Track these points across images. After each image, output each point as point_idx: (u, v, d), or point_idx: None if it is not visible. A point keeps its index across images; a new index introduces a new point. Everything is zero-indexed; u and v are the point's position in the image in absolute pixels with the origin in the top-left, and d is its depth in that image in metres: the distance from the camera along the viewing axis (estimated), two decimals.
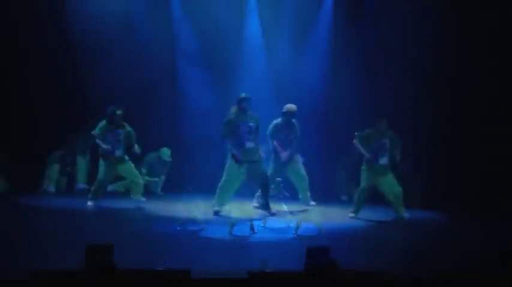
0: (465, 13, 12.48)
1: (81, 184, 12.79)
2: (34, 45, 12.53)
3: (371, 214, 10.23)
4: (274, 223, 9.14)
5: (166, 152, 12.62)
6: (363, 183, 10.20)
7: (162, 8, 13.05)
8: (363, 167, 10.21)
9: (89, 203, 10.40)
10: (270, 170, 10.46)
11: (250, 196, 10.74)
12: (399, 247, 8.26)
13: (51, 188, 12.41)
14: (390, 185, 10.15)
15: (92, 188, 10.60)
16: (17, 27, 12.60)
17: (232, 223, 8.46)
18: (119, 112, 10.53)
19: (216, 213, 9.75)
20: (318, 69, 13.13)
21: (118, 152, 10.47)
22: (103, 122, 10.50)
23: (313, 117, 12.60)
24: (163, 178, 12.77)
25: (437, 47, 12.56)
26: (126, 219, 9.59)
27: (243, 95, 9.89)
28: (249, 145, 9.72)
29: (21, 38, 12.57)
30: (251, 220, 8.74)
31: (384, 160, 10.15)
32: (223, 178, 9.89)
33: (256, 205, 10.44)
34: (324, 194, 11.86)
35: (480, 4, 12.36)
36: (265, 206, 9.94)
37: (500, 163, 12.32)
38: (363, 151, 10.13)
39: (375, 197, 10.63)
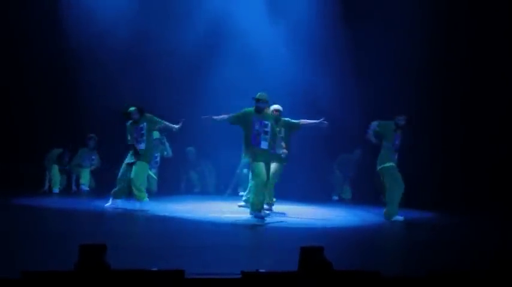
0: (460, 14, 12.56)
1: (84, 186, 12.94)
2: (34, 52, 12.72)
3: (365, 214, 10.24)
4: None
5: (155, 133, 12.81)
6: None
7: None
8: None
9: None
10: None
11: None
12: (393, 247, 8.27)
13: (56, 189, 12.50)
14: None
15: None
16: (17, 34, 12.77)
17: None
18: (131, 109, 10.47)
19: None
20: (313, 69, 13.18)
21: (140, 146, 10.43)
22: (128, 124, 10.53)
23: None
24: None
25: (434, 47, 12.65)
26: (119, 219, 9.56)
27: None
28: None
29: (21, 45, 12.78)
30: None
31: None
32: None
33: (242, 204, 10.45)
34: (317, 194, 11.88)
35: (474, 6, 12.47)
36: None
37: (494, 161, 12.39)
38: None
39: (370, 197, 10.66)
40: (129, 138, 10.49)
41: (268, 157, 9.54)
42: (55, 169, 12.58)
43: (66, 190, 12.83)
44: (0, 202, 10.49)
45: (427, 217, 10.75)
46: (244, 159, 12.99)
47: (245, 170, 13.27)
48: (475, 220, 10.56)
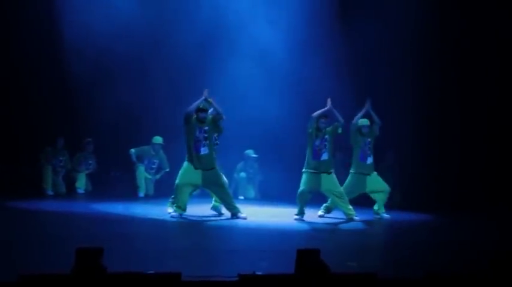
0: (458, 14, 12.62)
1: (80, 190, 12.91)
2: (33, 55, 12.79)
3: (362, 216, 10.24)
4: None
5: (158, 138, 12.74)
6: None
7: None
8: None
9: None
10: None
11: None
12: (390, 248, 8.27)
13: (49, 191, 12.44)
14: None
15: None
16: (16, 36, 12.82)
17: None
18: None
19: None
20: (310, 67, 13.20)
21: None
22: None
23: (303, 116, 12.69)
24: (158, 176, 12.97)
25: (433, 49, 12.70)
26: (116, 222, 9.55)
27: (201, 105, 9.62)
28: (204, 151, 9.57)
29: (21, 48, 12.84)
30: None
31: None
32: None
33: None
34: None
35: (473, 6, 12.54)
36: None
37: (491, 163, 12.43)
38: None
39: (364, 199, 10.68)
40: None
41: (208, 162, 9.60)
42: (48, 170, 12.50)
43: (62, 193, 12.76)
44: None
45: (424, 219, 10.76)
46: (239, 164, 13.07)
47: (242, 174, 13.28)
48: (472, 221, 10.58)
